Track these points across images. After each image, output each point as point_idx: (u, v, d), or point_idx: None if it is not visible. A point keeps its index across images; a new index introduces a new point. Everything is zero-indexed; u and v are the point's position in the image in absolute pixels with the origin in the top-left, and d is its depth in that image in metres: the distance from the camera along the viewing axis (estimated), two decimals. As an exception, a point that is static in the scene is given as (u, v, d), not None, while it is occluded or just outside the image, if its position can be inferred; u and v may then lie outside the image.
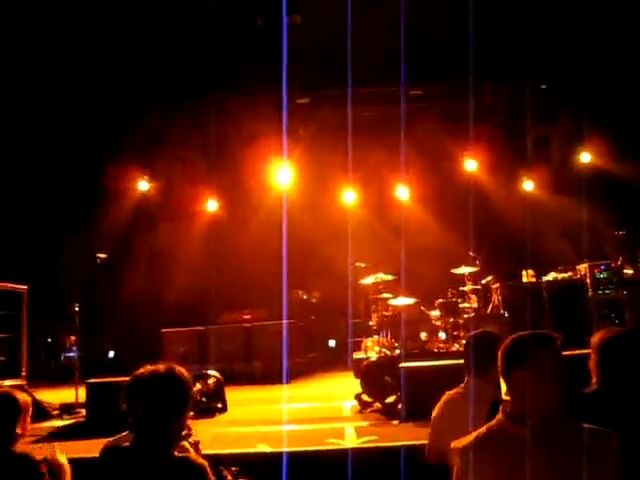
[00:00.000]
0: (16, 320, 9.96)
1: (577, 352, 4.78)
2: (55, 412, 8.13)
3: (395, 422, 6.62)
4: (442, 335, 9.91)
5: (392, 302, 9.95)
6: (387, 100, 13.49)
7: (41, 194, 12.49)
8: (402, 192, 14.11)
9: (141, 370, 3.04)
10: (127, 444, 2.72)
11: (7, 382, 7.89)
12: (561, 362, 2.26)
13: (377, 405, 7.45)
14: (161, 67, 11.54)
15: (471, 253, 11.00)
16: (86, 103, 12.20)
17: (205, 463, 2.61)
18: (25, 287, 9.90)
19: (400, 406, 6.79)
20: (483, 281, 11.05)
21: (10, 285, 9.80)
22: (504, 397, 3.19)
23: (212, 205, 14.13)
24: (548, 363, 2.22)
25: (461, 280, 10.92)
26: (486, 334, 3.63)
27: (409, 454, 4.67)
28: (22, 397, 3.21)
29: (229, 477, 2.98)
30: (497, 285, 11.15)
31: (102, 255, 9.69)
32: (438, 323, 10.14)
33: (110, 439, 3.20)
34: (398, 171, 14.06)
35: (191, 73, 11.72)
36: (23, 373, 9.54)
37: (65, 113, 12.20)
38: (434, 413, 3.55)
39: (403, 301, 9.82)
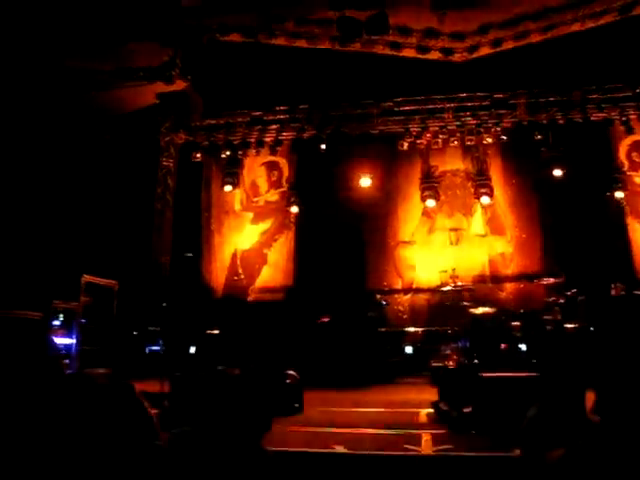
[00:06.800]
0: (107, 313, 10.61)
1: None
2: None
3: (472, 432, 6.53)
4: (523, 347, 9.64)
5: (472, 310, 9.79)
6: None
7: (130, 200, 13.13)
8: (485, 199, 13.82)
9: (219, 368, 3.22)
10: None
11: (100, 370, 8.34)
12: None
13: (454, 414, 7.36)
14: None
15: (556, 264, 10.68)
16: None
17: (273, 456, 2.70)
18: (116, 282, 10.50)
19: (477, 416, 6.69)
20: (568, 293, 10.69)
21: (103, 281, 10.44)
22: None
23: (295, 209, 14.35)
24: None
25: (545, 291, 10.63)
26: None
27: (484, 465, 4.61)
28: (102, 381, 3.46)
29: None
30: (583, 298, 10.77)
31: (189, 254, 10.11)
32: (519, 334, 9.88)
33: (177, 430, 3.38)
34: (481, 178, 13.88)
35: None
36: (114, 362, 10.11)
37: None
38: None
39: (483, 309, 9.65)
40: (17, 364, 3.42)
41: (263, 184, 14.84)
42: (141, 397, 3.37)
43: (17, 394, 3.20)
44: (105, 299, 10.61)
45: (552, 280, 10.44)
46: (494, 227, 13.82)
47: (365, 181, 13.57)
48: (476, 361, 8.66)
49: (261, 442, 2.79)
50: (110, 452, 3.37)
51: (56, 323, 9.81)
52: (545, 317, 10.16)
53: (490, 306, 9.75)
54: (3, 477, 2.79)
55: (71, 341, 9.78)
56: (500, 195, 13.95)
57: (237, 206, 14.80)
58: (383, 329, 12.46)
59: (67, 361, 8.44)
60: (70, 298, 10.07)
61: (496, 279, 13.18)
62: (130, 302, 11.94)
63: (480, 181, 13.83)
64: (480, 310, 9.62)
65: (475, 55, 13.50)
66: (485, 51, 13.40)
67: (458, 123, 13.95)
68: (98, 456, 3.24)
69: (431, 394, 7.92)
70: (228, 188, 14.49)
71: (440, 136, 13.98)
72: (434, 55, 13.53)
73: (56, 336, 9.64)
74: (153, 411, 3.27)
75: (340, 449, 5.63)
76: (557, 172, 13.21)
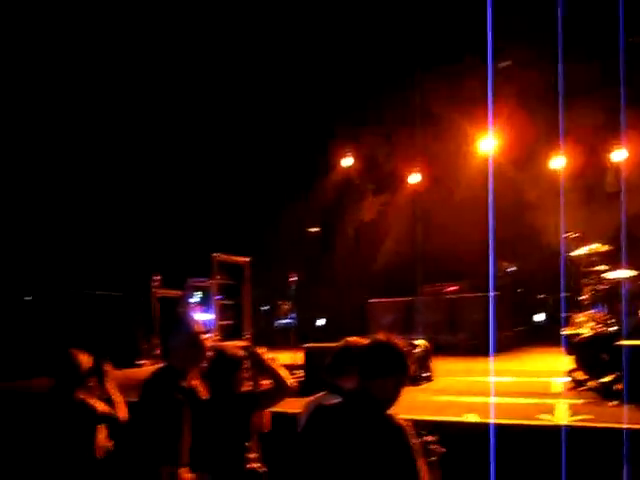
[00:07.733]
0: (240, 289, 11.21)
1: None
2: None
3: (613, 403, 6.27)
4: (667, 312, 9.01)
5: (608, 275, 9.26)
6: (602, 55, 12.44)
7: (257, 179, 13.65)
8: (618, 155, 12.91)
9: (355, 338, 3.34)
10: (335, 402, 2.97)
11: (237, 342, 8.89)
12: None
13: (591, 384, 7.10)
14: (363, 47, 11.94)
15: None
16: (302, 89, 13.11)
17: (406, 424, 2.75)
18: (247, 259, 11.04)
19: (619, 386, 6.41)
20: None
21: (235, 258, 11.02)
22: None
23: (416, 177, 14.17)
24: None
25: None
26: None
27: (633, 438, 4.43)
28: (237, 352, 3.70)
29: (431, 439, 3.12)
30: None
31: (314, 229, 10.39)
32: (662, 299, 9.24)
33: (312, 398, 3.52)
34: (613, 133, 12.94)
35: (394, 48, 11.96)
36: (248, 335, 10.71)
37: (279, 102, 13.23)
38: None
39: (621, 274, 9.09)
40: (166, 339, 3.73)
41: (381, 156, 14.83)
42: (278, 365, 3.57)
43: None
44: (237, 276, 11.18)
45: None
46: (629, 183, 12.90)
47: (487, 143, 13.09)
48: (615, 328, 8.25)
49: (389, 411, 2.86)
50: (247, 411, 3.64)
51: (194, 300, 10.52)
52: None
53: (628, 269, 9.18)
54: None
55: (210, 316, 10.45)
56: (635, 148, 12.98)
57: (356, 179, 14.92)
58: (510, 296, 12.17)
59: (208, 335, 9.00)
60: (205, 276, 10.72)
61: (633, 239, 12.33)
62: (260, 278, 12.50)
63: (612, 135, 12.91)
64: (617, 274, 9.09)
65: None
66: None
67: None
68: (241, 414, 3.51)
69: (565, 363, 7.68)
70: (347, 162, 14.61)
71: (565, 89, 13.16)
72: None
73: (195, 312, 10.34)
74: (293, 380, 3.48)
75: (472, 418, 5.63)
76: None
